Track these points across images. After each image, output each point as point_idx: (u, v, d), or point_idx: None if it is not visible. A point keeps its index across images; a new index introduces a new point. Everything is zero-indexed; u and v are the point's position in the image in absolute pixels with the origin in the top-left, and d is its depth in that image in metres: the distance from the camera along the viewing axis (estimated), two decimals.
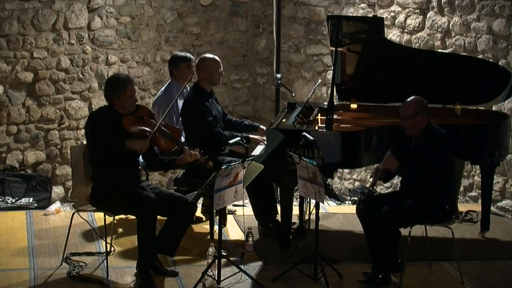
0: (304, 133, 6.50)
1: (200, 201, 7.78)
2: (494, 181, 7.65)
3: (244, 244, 6.81)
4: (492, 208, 7.63)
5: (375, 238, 6.35)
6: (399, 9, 9.19)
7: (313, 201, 6.73)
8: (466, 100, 7.49)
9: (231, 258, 6.53)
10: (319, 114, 7.50)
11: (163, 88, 7.93)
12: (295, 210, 7.24)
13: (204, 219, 7.71)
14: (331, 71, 8.20)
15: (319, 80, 9.36)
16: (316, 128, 7.16)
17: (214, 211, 6.95)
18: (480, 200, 7.59)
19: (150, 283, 6.17)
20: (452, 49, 8.64)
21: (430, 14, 8.88)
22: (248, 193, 7.24)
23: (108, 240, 6.59)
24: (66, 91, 9.43)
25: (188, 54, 7.92)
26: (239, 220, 7.66)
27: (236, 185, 6.20)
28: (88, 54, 9.51)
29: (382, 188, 9.46)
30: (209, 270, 6.26)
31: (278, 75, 8.61)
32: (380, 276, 6.30)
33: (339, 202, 7.95)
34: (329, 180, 6.41)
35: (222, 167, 6.00)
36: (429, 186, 6.28)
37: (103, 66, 9.63)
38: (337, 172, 9.56)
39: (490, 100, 7.47)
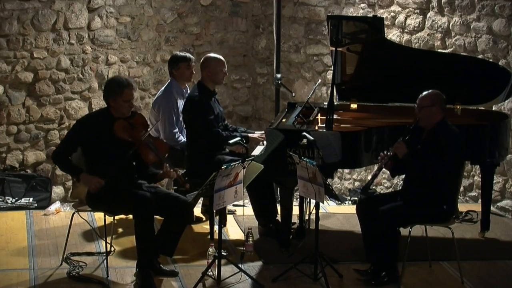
0: (304, 133, 6.50)
1: (200, 201, 7.78)
2: (494, 181, 7.65)
3: (244, 244, 6.82)
4: (492, 208, 7.63)
5: (372, 237, 6.36)
6: (399, 9, 9.18)
7: (313, 201, 6.74)
8: (466, 100, 7.48)
9: (231, 258, 6.53)
10: (319, 114, 7.50)
11: (162, 88, 7.94)
12: (295, 210, 7.24)
13: (204, 219, 7.71)
14: (331, 71, 8.20)
15: (319, 80, 9.36)
16: (316, 128, 7.16)
17: (214, 211, 6.95)
18: (480, 200, 7.59)
19: (150, 283, 6.17)
20: (452, 49, 8.64)
21: (430, 14, 8.88)
22: (248, 193, 7.25)
23: (108, 240, 6.59)
24: (66, 91, 9.43)
25: (187, 54, 7.92)
26: (239, 220, 7.66)
27: (236, 185, 6.20)
28: (88, 54, 9.51)
29: (382, 188, 9.46)
30: (209, 270, 6.26)
31: (278, 75, 8.61)
32: (382, 275, 6.29)
33: (339, 202, 7.95)
34: (329, 180, 6.41)
35: (222, 167, 6.00)
36: (431, 184, 6.27)
37: (103, 66, 9.63)
38: (337, 172, 9.56)
39: (490, 100, 7.47)
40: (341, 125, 7.25)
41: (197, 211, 7.76)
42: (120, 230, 7.33)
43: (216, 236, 6.52)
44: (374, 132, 6.93)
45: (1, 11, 8.89)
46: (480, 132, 7.17)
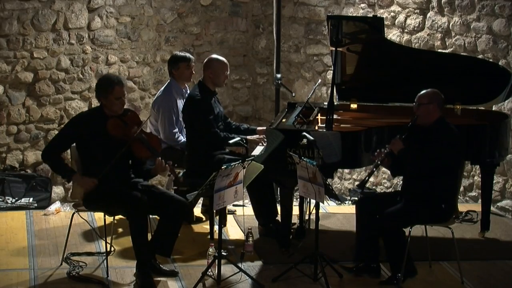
0: (304, 133, 6.50)
1: (200, 201, 7.78)
2: (494, 181, 7.65)
3: (244, 244, 6.82)
4: (492, 208, 7.63)
5: (368, 236, 6.38)
6: (399, 9, 9.18)
7: (313, 201, 6.73)
8: (466, 100, 7.49)
9: (231, 258, 6.53)
10: (319, 114, 7.50)
11: (162, 88, 7.93)
12: (295, 210, 7.24)
13: (204, 219, 7.71)
14: (331, 71, 8.20)
15: (319, 80, 9.35)
16: (316, 128, 7.16)
17: (214, 211, 6.95)
18: (480, 200, 7.59)
19: (150, 283, 6.17)
20: (452, 49, 8.63)
21: (430, 14, 8.87)
22: (248, 193, 7.25)
23: (108, 240, 6.59)
24: (66, 91, 9.43)
25: (187, 54, 7.92)
26: (239, 220, 7.66)
27: (236, 185, 6.20)
28: (88, 54, 9.51)
29: (382, 188, 9.46)
30: (209, 270, 6.26)
31: (278, 75, 8.61)
32: (398, 276, 6.28)
33: (339, 202, 7.95)
34: (329, 180, 6.41)
35: (222, 167, 6.00)
36: (428, 182, 6.27)
37: (103, 66, 9.63)
38: (337, 172, 9.56)
39: (490, 100, 7.47)
40: (341, 125, 7.25)
41: (197, 211, 7.76)
42: (120, 230, 7.33)
43: (216, 236, 6.52)
44: (374, 132, 6.92)
45: (1, 11, 8.89)
46: (480, 132, 7.17)
